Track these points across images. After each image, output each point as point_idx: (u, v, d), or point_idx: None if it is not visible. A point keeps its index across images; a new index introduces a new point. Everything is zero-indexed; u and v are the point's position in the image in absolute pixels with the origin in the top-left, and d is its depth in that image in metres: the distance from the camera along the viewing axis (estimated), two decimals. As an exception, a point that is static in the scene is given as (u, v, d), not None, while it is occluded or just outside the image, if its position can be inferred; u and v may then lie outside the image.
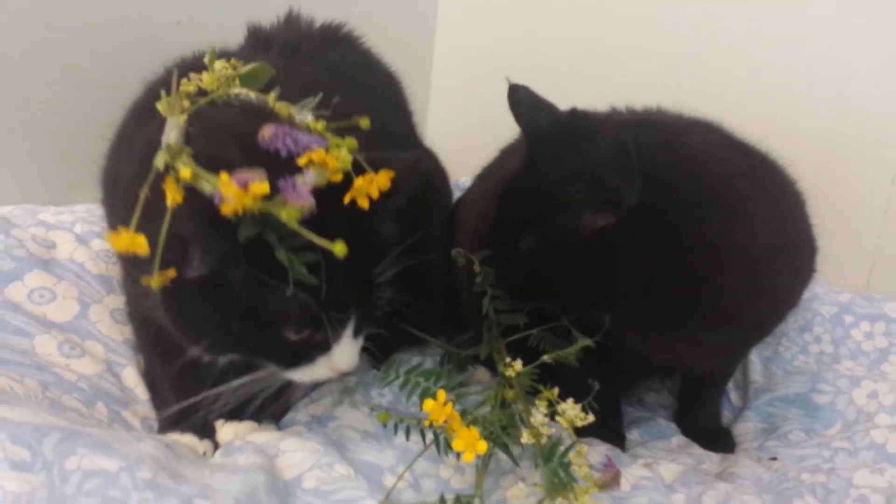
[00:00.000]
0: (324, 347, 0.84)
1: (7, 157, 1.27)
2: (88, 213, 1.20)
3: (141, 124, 0.87)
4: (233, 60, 0.82)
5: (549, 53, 1.70)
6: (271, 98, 0.79)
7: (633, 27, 1.62)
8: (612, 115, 1.03)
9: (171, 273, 0.73)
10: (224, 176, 0.69)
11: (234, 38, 1.09)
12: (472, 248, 1.02)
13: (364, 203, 0.76)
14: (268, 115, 0.80)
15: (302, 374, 0.87)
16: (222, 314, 0.79)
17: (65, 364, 1.00)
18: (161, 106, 0.79)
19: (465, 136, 1.31)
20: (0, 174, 1.26)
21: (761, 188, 0.96)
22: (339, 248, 0.70)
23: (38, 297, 1.06)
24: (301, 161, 0.74)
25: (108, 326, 1.08)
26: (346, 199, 0.75)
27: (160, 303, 0.81)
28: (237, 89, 0.80)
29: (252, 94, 0.80)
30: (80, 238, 1.16)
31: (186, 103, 0.79)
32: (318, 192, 0.73)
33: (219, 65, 0.81)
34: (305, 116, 0.78)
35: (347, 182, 0.75)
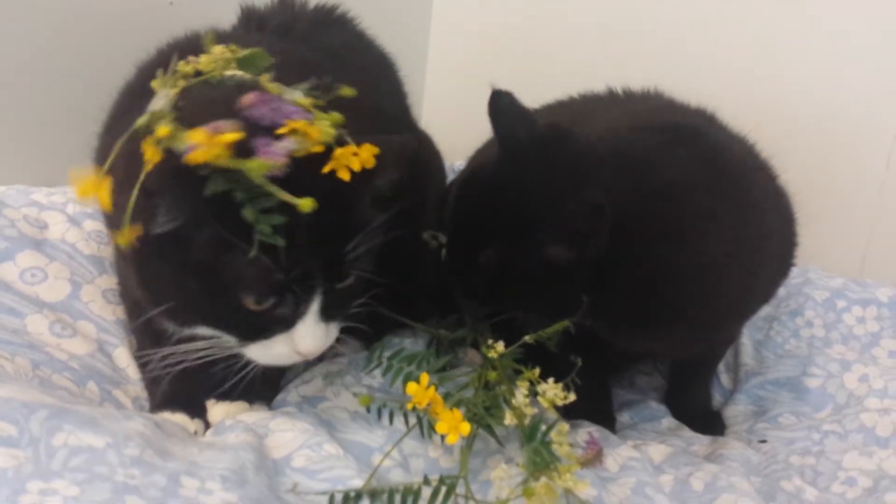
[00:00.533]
0: (286, 323, 0.81)
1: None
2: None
3: (134, 106, 0.86)
4: (232, 45, 0.82)
5: (545, 35, 1.69)
6: (264, 79, 0.79)
7: (630, 9, 1.61)
8: (588, 141, 0.99)
9: (137, 230, 0.73)
10: (201, 130, 0.69)
11: (228, 18, 1.09)
12: None
13: (344, 175, 0.76)
14: (248, 87, 0.80)
15: (259, 351, 0.83)
16: (182, 274, 0.78)
17: (56, 344, 1.00)
18: (156, 83, 0.79)
19: (460, 119, 1.30)
20: (-7, 155, 1.26)
21: (725, 202, 0.96)
22: (305, 203, 0.70)
23: (30, 277, 1.06)
24: (283, 129, 0.74)
25: (101, 306, 1.08)
26: (326, 169, 0.75)
27: (130, 265, 0.81)
28: (231, 71, 0.80)
29: (246, 76, 0.80)
30: (72, 219, 1.15)
31: (182, 82, 0.79)
32: (295, 160, 0.73)
33: (217, 49, 0.81)
34: (294, 93, 0.78)
35: (330, 156, 0.75)
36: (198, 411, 0.98)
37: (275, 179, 0.71)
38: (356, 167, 0.76)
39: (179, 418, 0.95)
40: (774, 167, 1.05)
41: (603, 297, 0.92)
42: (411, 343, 1.14)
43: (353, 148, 0.75)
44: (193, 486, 0.70)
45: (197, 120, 0.74)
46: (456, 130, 1.33)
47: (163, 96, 0.77)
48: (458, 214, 0.98)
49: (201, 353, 0.85)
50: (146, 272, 0.81)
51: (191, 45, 0.86)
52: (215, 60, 0.79)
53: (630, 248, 0.90)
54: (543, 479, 0.77)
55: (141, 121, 0.74)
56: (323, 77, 0.82)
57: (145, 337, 1.01)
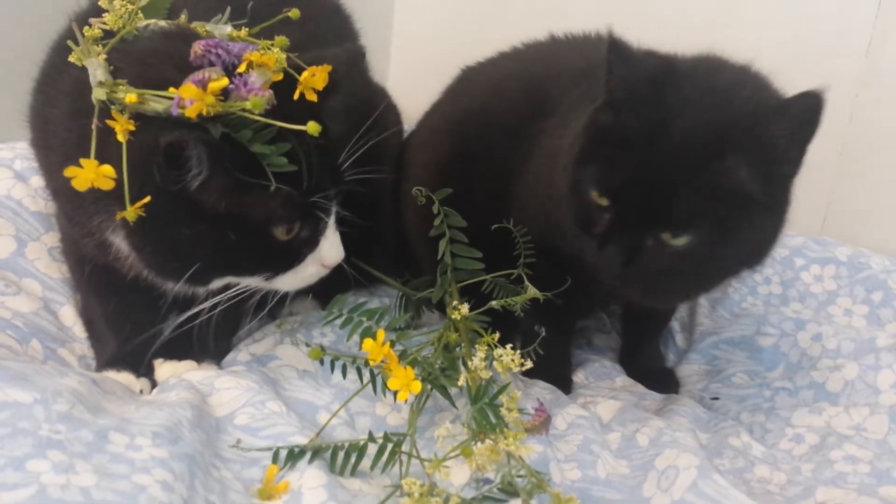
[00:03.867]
0: (312, 243, 0.85)
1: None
2: (29, 150, 1.18)
3: (65, 63, 0.84)
4: None
5: (512, 4, 1.67)
6: (182, 20, 0.78)
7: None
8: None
9: (147, 200, 0.74)
10: (190, 85, 0.71)
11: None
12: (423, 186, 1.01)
13: (312, 96, 0.78)
14: (187, 35, 0.80)
15: (289, 279, 0.87)
16: (208, 233, 0.79)
17: (-1, 301, 0.99)
18: (73, 57, 0.79)
19: (426, 85, 1.29)
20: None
21: None
22: (312, 127, 0.73)
23: (-26, 235, 1.04)
24: (241, 67, 0.76)
25: (46, 264, 1.06)
26: (297, 95, 0.77)
27: (130, 242, 0.81)
28: (143, 21, 0.79)
29: (161, 23, 0.79)
30: (18, 175, 1.13)
31: (97, 48, 0.78)
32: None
33: (117, 3, 0.79)
34: (224, 29, 0.78)
35: (287, 82, 0.77)
36: (145, 370, 0.97)
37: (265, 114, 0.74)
38: (320, 87, 0.78)
39: (124, 377, 0.95)
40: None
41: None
42: (365, 301, 1.13)
43: (313, 69, 0.77)
44: (122, 442, 0.69)
45: (149, 77, 0.75)
46: (422, 97, 1.32)
47: (95, 66, 0.76)
48: (625, 170, 0.88)
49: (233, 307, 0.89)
50: (160, 245, 0.80)
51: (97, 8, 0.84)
52: (119, 16, 0.78)
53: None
54: (489, 442, 0.77)
55: (98, 96, 0.73)
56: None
57: (89, 293, 1.00)
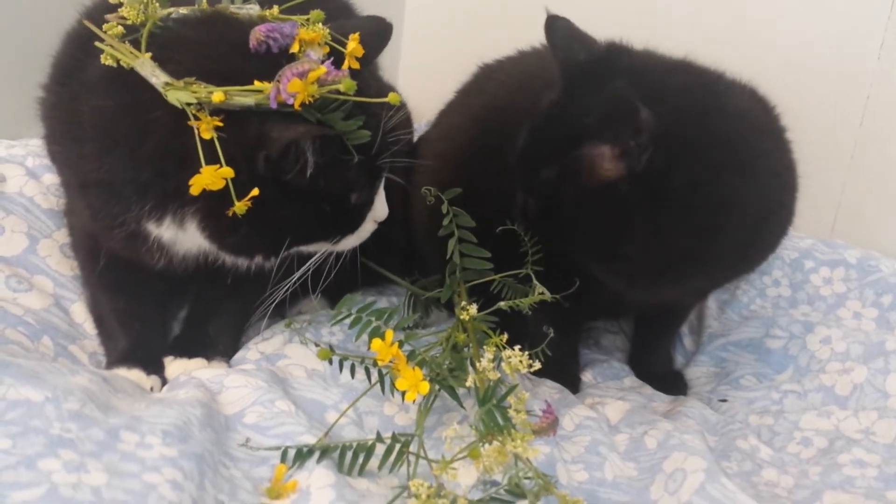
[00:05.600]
0: (369, 203, 0.92)
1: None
2: (42, 147, 1.18)
3: (88, 55, 0.84)
4: None
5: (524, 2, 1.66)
6: (203, 4, 0.80)
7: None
8: (650, 56, 1.00)
9: (255, 192, 0.77)
10: (295, 80, 0.74)
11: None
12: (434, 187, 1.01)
13: (356, 65, 0.82)
14: (227, 20, 0.83)
15: (355, 237, 0.93)
16: (309, 208, 0.85)
17: (11, 298, 0.99)
18: (106, 59, 0.80)
19: (435, 83, 1.29)
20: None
21: (780, 143, 0.97)
22: (393, 98, 0.80)
23: (-14, 231, 1.05)
24: (294, 47, 0.79)
25: (58, 261, 1.07)
26: (345, 65, 0.81)
27: (212, 230, 0.84)
28: (163, 11, 0.79)
29: (182, 10, 0.79)
30: (31, 172, 1.14)
31: (126, 47, 0.79)
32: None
33: None
34: (253, 9, 0.79)
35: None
36: (155, 368, 0.98)
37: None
38: (360, 54, 0.82)
39: (135, 375, 0.95)
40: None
41: (654, 229, 0.90)
42: (374, 300, 1.13)
43: (355, 37, 0.81)
44: (132, 441, 0.69)
45: (218, 72, 0.78)
46: (430, 94, 1.33)
47: (149, 67, 0.78)
48: (525, 136, 0.98)
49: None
50: (255, 227, 0.83)
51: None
52: (138, 9, 0.78)
53: (689, 174, 0.88)
54: (496, 443, 0.77)
55: (181, 98, 0.75)
56: None
57: (99, 289, 1.01)
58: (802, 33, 1.38)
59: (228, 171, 0.75)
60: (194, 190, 0.76)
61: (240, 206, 0.77)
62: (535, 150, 0.96)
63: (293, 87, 0.74)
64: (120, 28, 0.79)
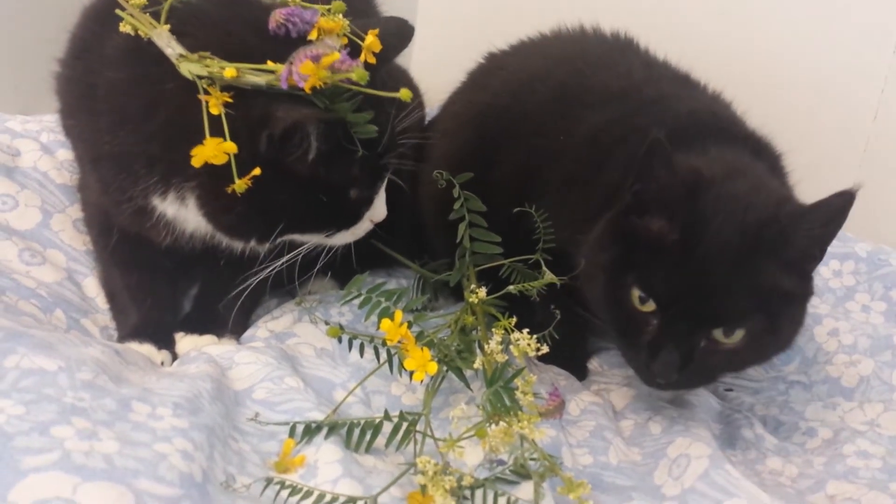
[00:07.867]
0: (369, 202, 0.91)
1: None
2: (56, 122, 1.19)
3: (105, 29, 0.85)
4: None
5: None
6: None
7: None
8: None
9: (256, 172, 0.77)
10: (308, 62, 0.74)
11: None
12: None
13: (372, 59, 0.81)
14: (241, 0, 0.83)
15: (350, 234, 0.93)
16: (305, 195, 0.84)
17: (25, 271, 1.00)
18: (125, 27, 0.80)
19: (449, 69, 1.29)
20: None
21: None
22: (404, 94, 0.77)
23: (1, 205, 1.05)
24: (312, 35, 0.79)
25: (71, 236, 1.08)
26: (362, 58, 0.79)
27: (209, 207, 0.84)
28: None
29: None
30: (45, 147, 1.15)
31: (146, 18, 0.80)
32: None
33: None
34: None
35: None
36: (166, 343, 0.98)
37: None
38: (378, 49, 0.81)
39: (146, 349, 0.96)
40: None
41: None
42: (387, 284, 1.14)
43: (374, 32, 0.80)
44: (144, 412, 0.70)
45: (232, 50, 0.78)
46: (442, 87, 1.33)
47: (165, 38, 0.78)
48: None
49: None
50: (251, 208, 0.83)
51: None
52: None
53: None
54: (502, 424, 0.78)
55: (194, 70, 0.76)
56: None
57: (111, 264, 1.02)
58: (818, 28, 1.38)
59: (231, 146, 0.75)
60: (196, 161, 0.76)
61: (240, 185, 0.76)
62: (708, 280, 0.88)
63: (305, 70, 0.74)
64: None
